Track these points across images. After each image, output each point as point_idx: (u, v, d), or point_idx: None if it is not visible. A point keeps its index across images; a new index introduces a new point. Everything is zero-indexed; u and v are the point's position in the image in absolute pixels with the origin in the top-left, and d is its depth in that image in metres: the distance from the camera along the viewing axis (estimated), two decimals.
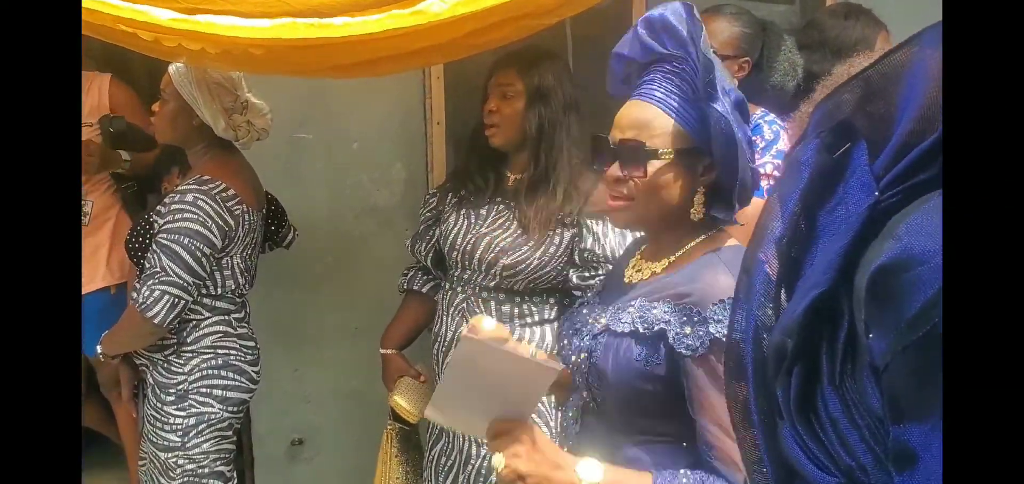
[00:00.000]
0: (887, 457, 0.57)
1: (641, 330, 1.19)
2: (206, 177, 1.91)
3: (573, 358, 1.30)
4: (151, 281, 1.84)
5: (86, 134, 2.43)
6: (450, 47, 1.66)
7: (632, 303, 1.23)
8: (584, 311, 1.34)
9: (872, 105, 0.64)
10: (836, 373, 0.61)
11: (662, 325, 1.17)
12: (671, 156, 1.20)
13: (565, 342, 1.34)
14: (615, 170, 1.24)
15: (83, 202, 2.45)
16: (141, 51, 1.66)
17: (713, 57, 1.17)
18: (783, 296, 0.66)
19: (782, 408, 0.64)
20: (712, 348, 1.13)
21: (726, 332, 1.09)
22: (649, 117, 1.21)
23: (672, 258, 1.26)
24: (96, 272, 2.49)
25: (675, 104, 1.21)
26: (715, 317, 1.13)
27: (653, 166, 1.21)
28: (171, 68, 1.92)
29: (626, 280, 1.33)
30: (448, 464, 1.96)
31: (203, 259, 1.88)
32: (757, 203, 1.84)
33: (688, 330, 1.15)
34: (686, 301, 1.17)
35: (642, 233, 1.40)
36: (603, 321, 1.26)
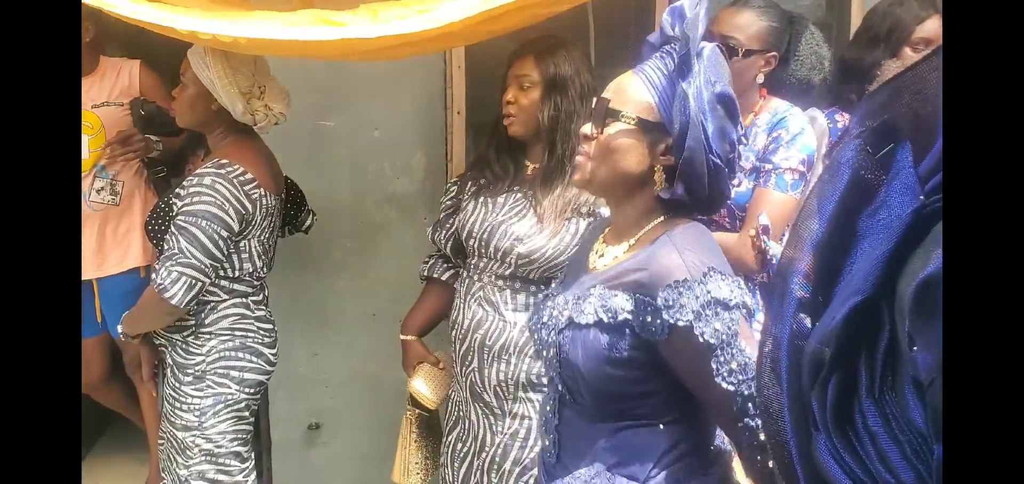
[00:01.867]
0: (930, 476, 0.55)
1: (605, 320, 1.20)
2: (224, 161, 1.93)
3: (544, 353, 1.32)
4: (169, 263, 1.86)
5: (117, 115, 2.48)
6: (466, 32, 1.67)
7: (592, 292, 1.24)
8: (549, 303, 1.35)
9: (916, 105, 0.62)
10: (875, 385, 0.59)
11: (626, 315, 1.19)
12: (633, 121, 1.22)
13: (536, 336, 1.35)
14: (586, 126, 1.27)
15: (114, 182, 2.49)
16: (178, 39, 1.69)
17: (708, 46, 1.18)
18: (820, 302, 0.64)
19: (817, 418, 0.61)
20: (672, 335, 1.14)
21: (680, 317, 1.12)
22: (627, 84, 1.25)
23: (632, 241, 1.27)
24: (128, 253, 2.53)
25: (656, 79, 1.22)
26: (667, 303, 1.14)
27: (613, 126, 1.23)
28: (190, 52, 1.94)
29: (590, 266, 1.33)
30: (463, 450, 1.97)
31: (220, 241, 1.89)
32: (781, 199, 1.84)
33: (648, 319, 1.16)
34: (641, 290, 1.18)
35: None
36: (567, 313, 1.26)
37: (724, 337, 1.11)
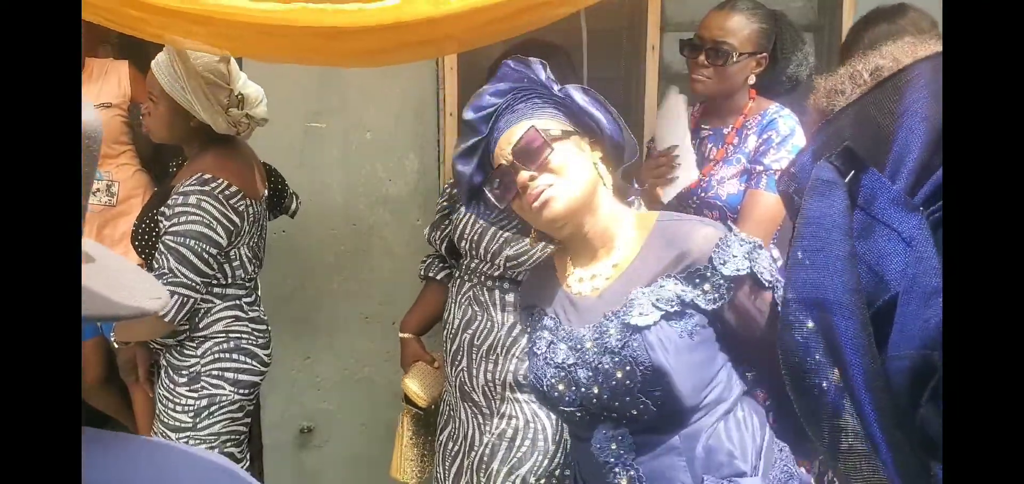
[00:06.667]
0: None
1: (670, 310, 1.24)
2: (207, 176, 1.89)
3: (588, 390, 1.33)
4: (160, 282, 1.85)
5: (108, 115, 2.49)
6: (465, 36, 1.65)
7: (636, 300, 1.26)
8: (560, 348, 1.32)
9: (871, 130, 0.63)
10: None
11: (685, 294, 1.24)
12: (570, 135, 1.31)
13: (562, 384, 1.39)
14: (523, 174, 1.29)
15: (110, 184, 2.49)
16: (127, 31, 1.56)
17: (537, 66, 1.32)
18: (867, 317, 0.61)
19: (933, 436, 0.54)
20: (737, 290, 1.23)
21: (740, 267, 1.20)
22: (543, 121, 1.31)
23: (617, 246, 1.33)
24: (126, 255, 2.52)
25: (550, 110, 1.33)
26: (722, 261, 1.22)
27: (554, 152, 1.27)
28: (155, 69, 1.88)
29: (576, 294, 1.34)
30: (454, 449, 1.98)
31: (210, 259, 1.88)
32: (773, 200, 1.84)
33: (707, 287, 1.23)
34: (690, 265, 1.24)
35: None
36: (612, 335, 1.28)
37: (775, 274, 1.22)
